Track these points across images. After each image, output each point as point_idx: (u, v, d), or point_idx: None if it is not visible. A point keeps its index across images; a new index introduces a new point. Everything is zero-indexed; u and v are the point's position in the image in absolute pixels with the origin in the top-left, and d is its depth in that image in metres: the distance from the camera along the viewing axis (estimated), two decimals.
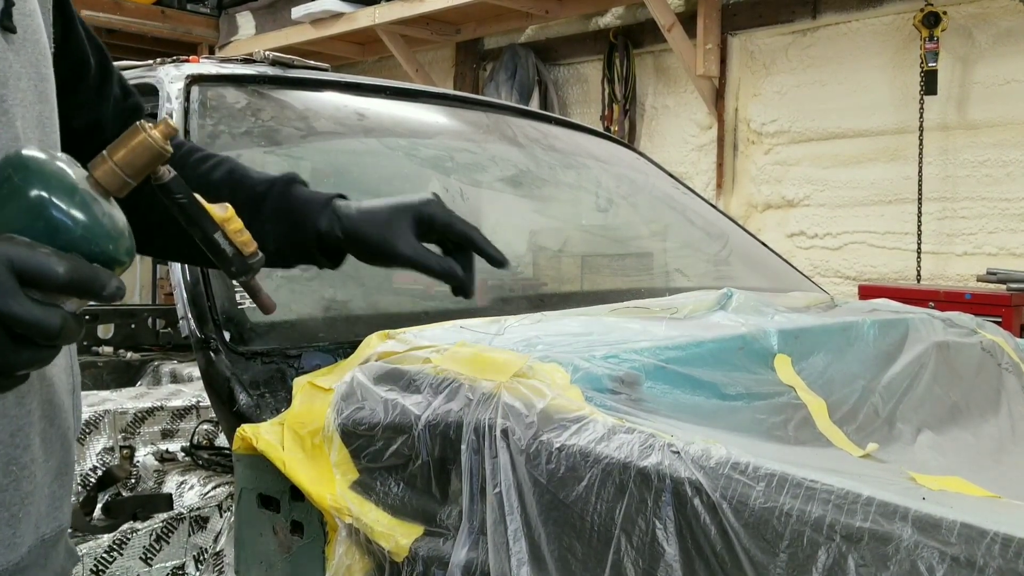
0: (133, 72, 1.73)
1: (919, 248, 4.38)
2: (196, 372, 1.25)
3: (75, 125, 0.96)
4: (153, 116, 1.09)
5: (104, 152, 0.66)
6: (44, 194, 0.60)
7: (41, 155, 0.62)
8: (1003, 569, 0.68)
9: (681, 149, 5.50)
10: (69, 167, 0.63)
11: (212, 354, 1.26)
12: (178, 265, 1.33)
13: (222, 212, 0.82)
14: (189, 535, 1.53)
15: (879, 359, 1.36)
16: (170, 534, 1.52)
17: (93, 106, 1.01)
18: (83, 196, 0.62)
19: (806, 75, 4.93)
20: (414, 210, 1.04)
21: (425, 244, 1.04)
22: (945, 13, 4.26)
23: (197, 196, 0.80)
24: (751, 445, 0.95)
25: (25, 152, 0.62)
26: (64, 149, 0.79)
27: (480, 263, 1.08)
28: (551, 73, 6.10)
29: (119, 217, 0.65)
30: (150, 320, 3.11)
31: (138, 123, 0.68)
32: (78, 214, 0.61)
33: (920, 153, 4.36)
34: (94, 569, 1.44)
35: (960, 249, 4.41)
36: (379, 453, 1.07)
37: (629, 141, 5.38)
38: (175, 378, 2.59)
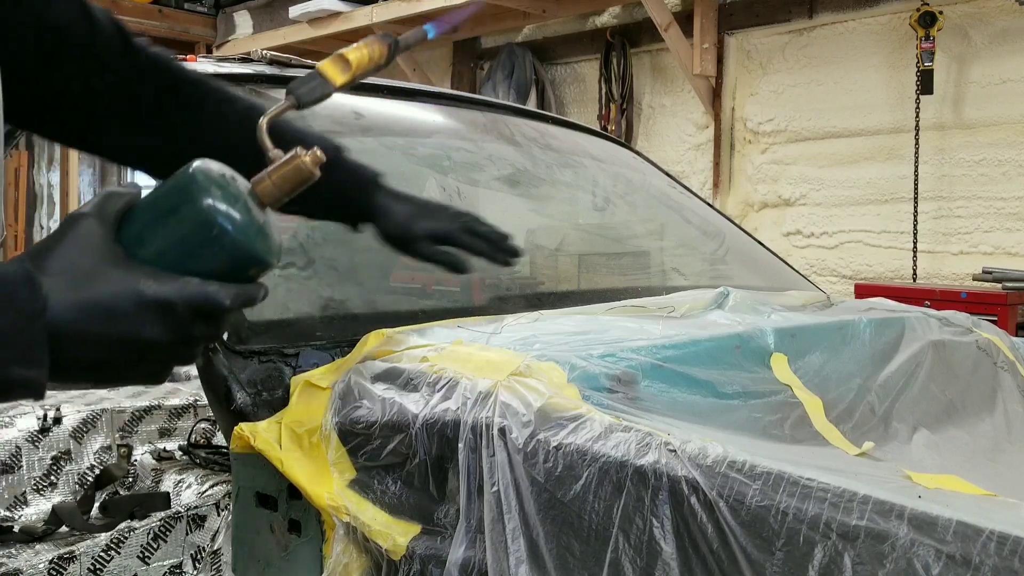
0: None
1: (915, 247, 4.39)
2: (193, 371, 1.25)
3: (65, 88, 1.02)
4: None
5: (265, 172, 0.79)
6: (212, 202, 0.71)
7: (213, 171, 0.73)
8: (999, 567, 0.69)
9: (678, 148, 5.51)
10: (234, 181, 0.75)
11: (209, 353, 1.26)
12: None
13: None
14: (187, 534, 1.53)
15: (875, 358, 1.36)
16: (168, 533, 1.52)
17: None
18: (245, 204, 0.74)
19: (803, 74, 4.94)
20: (431, 232, 1.26)
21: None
22: (941, 13, 4.27)
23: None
24: (747, 443, 0.95)
25: (199, 165, 0.73)
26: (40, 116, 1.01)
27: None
28: (548, 72, 6.10)
29: (271, 224, 0.77)
30: None
31: (295, 151, 0.79)
32: (241, 219, 0.72)
33: (916, 152, 4.37)
34: (92, 568, 1.44)
35: (956, 248, 4.42)
36: (376, 452, 1.07)
37: (626, 140, 5.39)
38: (172, 377, 2.58)
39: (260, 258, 0.74)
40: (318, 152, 0.80)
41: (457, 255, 1.28)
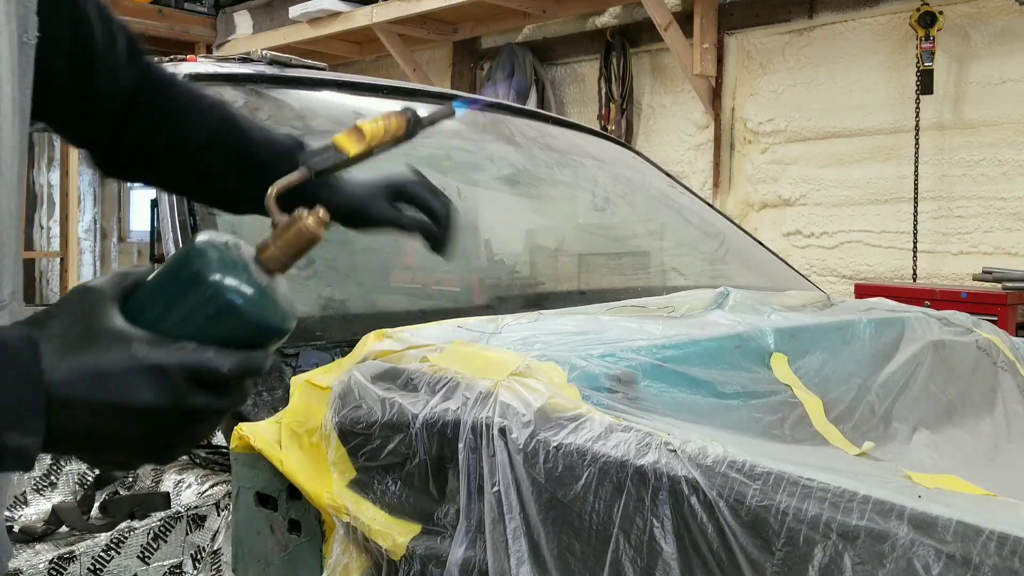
0: None
1: (915, 247, 4.39)
2: None
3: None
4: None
5: (269, 238, 0.76)
6: (219, 278, 0.69)
7: (217, 242, 0.71)
8: (999, 567, 0.69)
9: (678, 148, 5.51)
10: (238, 251, 0.72)
11: None
12: None
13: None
14: (187, 534, 1.53)
15: (875, 358, 1.37)
16: (168, 533, 1.52)
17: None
18: (250, 275, 0.71)
19: (802, 74, 4.94)
20: (388, 181, 1.17)
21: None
22: (941, 13, 4.27)
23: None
24: (747, 443, 0.95)
25: (202, 240, 0.71)
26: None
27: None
28: (548, 72, 6.10)
29: (282, 292, 0.74)
30: None
31: (296, 213, 0.76)
32: (247, 291, 0.69)
33: (916, 152, 4.37)
34: (92, 568, 1.44)
35: (956, 248, 4.42)
36: (376, 452, 1.07)
37: (626, 140, 5.39)
38: None
39: (275, 329, 0.71)
40: (320, 212, 0.77)
41: (415, 216, 1.17)
